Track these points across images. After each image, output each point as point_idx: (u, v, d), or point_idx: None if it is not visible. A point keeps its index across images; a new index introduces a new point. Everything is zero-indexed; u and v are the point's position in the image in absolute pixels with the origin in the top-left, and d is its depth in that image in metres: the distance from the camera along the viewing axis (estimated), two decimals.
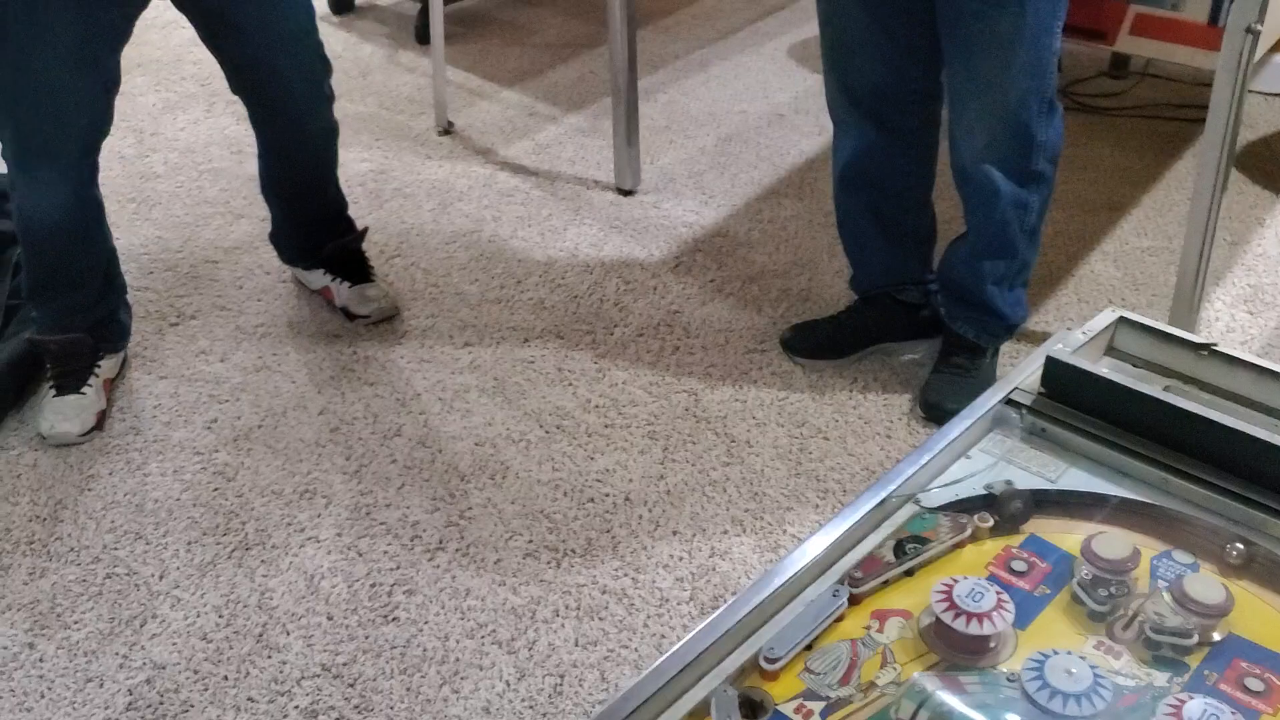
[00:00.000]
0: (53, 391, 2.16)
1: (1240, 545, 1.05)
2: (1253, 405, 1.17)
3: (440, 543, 1.87)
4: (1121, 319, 1.26)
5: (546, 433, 2.10)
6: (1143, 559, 1.06)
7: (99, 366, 2.21)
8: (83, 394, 2.16)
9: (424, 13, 3.52)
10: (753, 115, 3.18)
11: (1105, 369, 1.18)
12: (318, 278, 2.47)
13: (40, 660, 1.69)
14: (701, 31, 3.72)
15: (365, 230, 2.48)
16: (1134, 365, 1.21)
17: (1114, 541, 1.07)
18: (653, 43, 3.58)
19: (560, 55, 3.59)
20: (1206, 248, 2.10)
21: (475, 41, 3.69)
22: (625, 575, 1.80)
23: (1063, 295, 2.39)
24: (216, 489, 2.00)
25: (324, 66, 2.24)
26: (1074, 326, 1.24)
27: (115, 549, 1.88)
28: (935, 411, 2.08)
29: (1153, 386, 1.16)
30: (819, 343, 2.27)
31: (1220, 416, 1.11)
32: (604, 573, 1.80)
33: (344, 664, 1.66)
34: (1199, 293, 2.15)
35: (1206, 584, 1.03)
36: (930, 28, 1.85)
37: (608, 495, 1.96)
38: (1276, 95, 3.05)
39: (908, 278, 2.21)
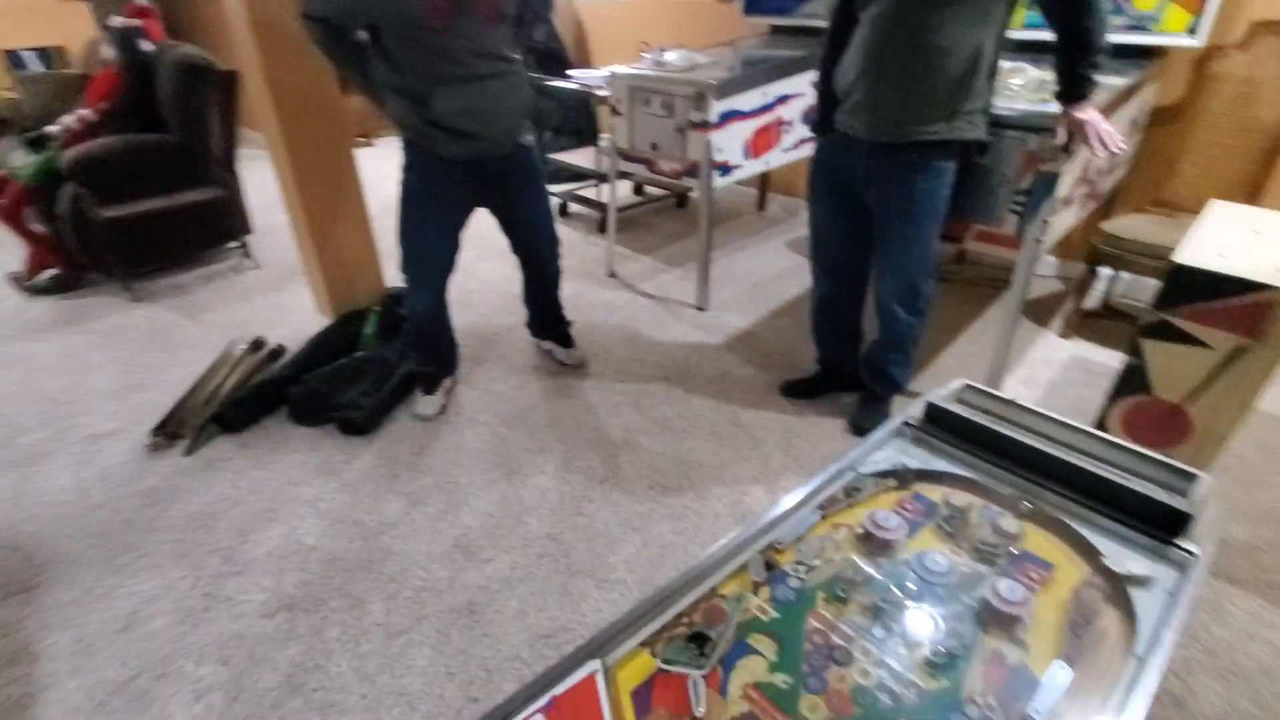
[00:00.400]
0: (421, 393, 2.21)
1: (1027, 503, 1.05)
2: (1033, 430, 1.16)
3: (604, 479, 1.88)
4: (967, 384, 1.26)
5: (660, 428, 2.09)
6: (975, 507, 1.06)
7: (445, 383, 2.25)
8: (435, 395, 2.20)
9: (603, 219, 3.61)
10: (767, 274, 3.14)
11: (958, 409, 1.18)
12: (548, 344, 2.48)
13: (413, 521, 1.74)
14: (740, 230, 3.71)
15: (571, 323, 2.48)
16: (972, 408, 1.21)
17: (959, 497, 1.08)
18: (718, 235, 3.61)
19: (672, 239, 3.59)
20: (1005, 354, 2.07)
21: (629, 232, 3.71)
22: (697, 501, 1.79)
23: (927, 374, 2.34)
24: (495, 446, 2.03)
25: (557, 242, 2.24)
26: (939, 388, 1.24)
27: (448, 471, 1.92)
28: (859, 429, 2.04)
29: (982, 419, 1.16)
30: (800, 390, 2.24)
31: (1016, 434, 1.12)
32: (686, 499, 1.80)
33: (557, 534, 1.69)
34: (1000, 377, 2.11)
35: (1009, 522, 1.03)
36: (869, 233, 1.85)
37: (690, 462, 1.94)
38: (1046, 277, 2.98)
39: (846, 359, 2.18)
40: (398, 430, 2.11)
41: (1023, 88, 2.03)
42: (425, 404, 2.18)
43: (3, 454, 2.01)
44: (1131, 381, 1.52)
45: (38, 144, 3.05)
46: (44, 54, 4.45)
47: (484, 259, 3.29)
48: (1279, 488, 1.80)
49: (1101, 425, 1.59)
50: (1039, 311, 2.70)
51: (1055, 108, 1.66)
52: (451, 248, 2.02)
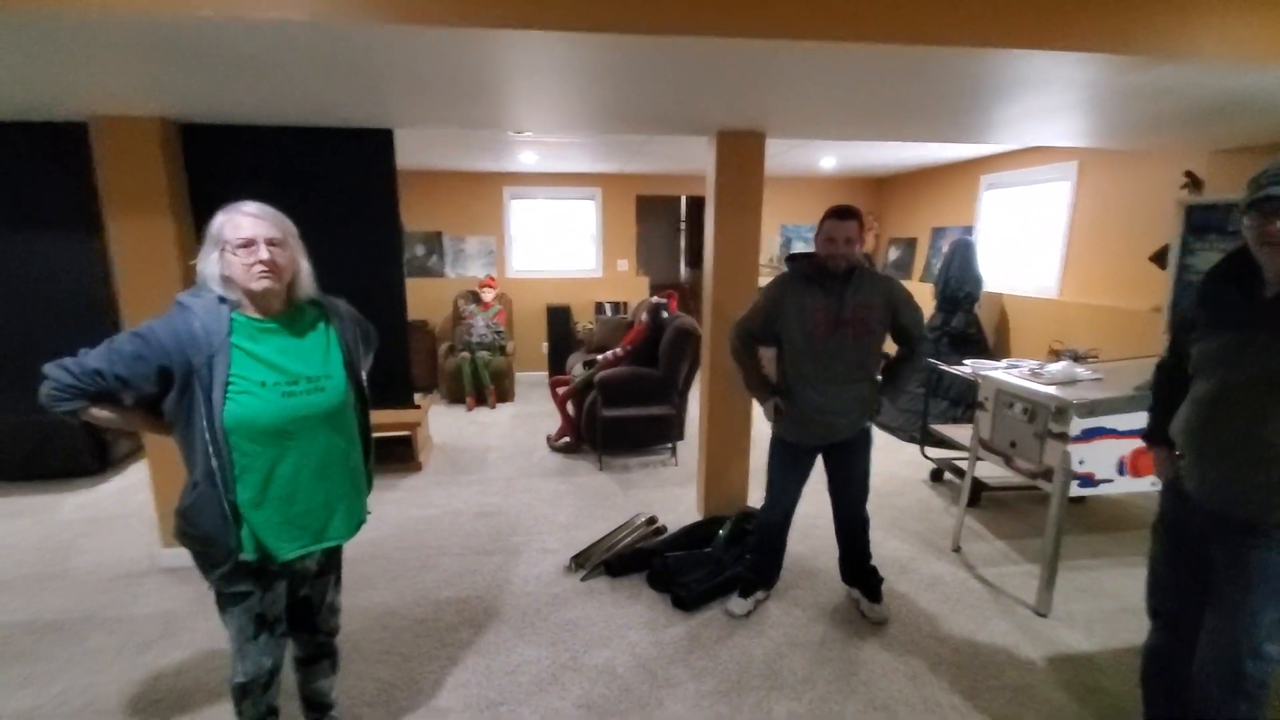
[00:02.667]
0: (738, 594, 2.61)
1: None
2: None
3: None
4: None
5: (928, 711, 2.06)
6: None
7: (759, 593, 2.62)
8: (747, 600, 2.58)
9: (974, 487, 3.57)
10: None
11: None
12: (856, 593, 2.62)
13: (687, 690, 2.13)
14: (1139, 545, 3.16)
15: (882, 579, 2.60)
16: None
17: None
18: (1105, 544, 3.20)
19: (1034, 529, 3.35)
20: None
21: (996, 512, 3.58)
22: None
23: None
24: (773, 658, 2.29)
25: (866, 497, 2.47)
26: None
27: (730, 663, 2.27)
28: None
29: None
30: None
31: None
32: None
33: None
34: None
35: None
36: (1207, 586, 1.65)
37: None
38: None
39: None
40: (710, 617, 2.60)
41: None
42: (737, 604, 2.61)
43: (503, 543, 3.27)
44: None
45: (589, 364, 4.89)
46: (615, 305, 7.01)
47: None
48: None
49: None
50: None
51: None
52: (799, 483, 2.49)
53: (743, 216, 3.17)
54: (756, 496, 3.49)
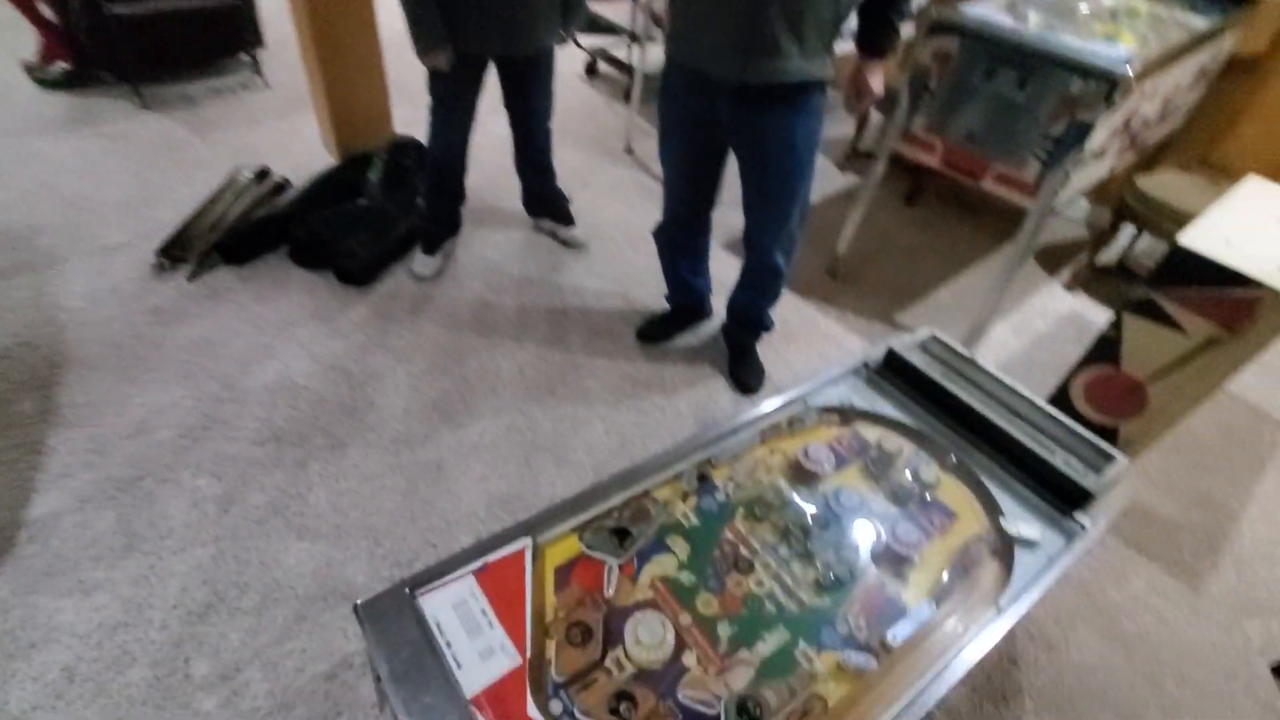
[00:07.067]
0: (421, 251, 2.19)
1: (952, 456, 1.12)
2: (981, 389, 1.20)
3: (580, 365, 1.92)
4: (933, 335, 1.29)
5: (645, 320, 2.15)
6: (904, 453, 1.13)
7: (446, 245, 2.24)
8: (435, 257, 2.19)
9: (630, 84, 3.40)
10: None
11: (916, 357, 1.22)
12: (547, 224, 2.40)
13: (396, 376, 1.80)
14: None
15: (569, 199, 2.40)
16: (932, 358, 1.24)
17: (892, 441, 1.15)
18: None
19: None
20: (998, 300, 2.01)
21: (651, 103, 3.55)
22: (664, 399, 1.85)
23: (922, 306, 2.30)
24: (482, 313, 2.05)
25: (551, 103, 2.11)
26: (907, 334, 1.25)
27: (435, 333, 1.96)
28: (746, 388, 1.90)
29: (937, 370, 1.20)
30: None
31: (961, 390, 1.17)
32: (654, 397, 1.84)
33: (528, 409, 1.77)
34: (989, 323, 2.09)
35: (928, 471, 1.10)
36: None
37: (666, 359, 2.00)
38: (1072, 220, 2.88)
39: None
40: (394, 285, 2.14)
41: (1090, 16, 1.87)
42: (424, 264, 2.19)
43: (22, 254, 2.08)
44: (1103, 351, 1.54)
45: None
46: None
47: (497, 112, 3.12)
48: (1222, 474, 1.87)
49: (1064, 387, 1.63)
50: (1053, 258, 2.64)
51: (1120, 50, 1.57)
52: (471, 99, 1.96)
53: None
54: (404, 119, 2.74)
